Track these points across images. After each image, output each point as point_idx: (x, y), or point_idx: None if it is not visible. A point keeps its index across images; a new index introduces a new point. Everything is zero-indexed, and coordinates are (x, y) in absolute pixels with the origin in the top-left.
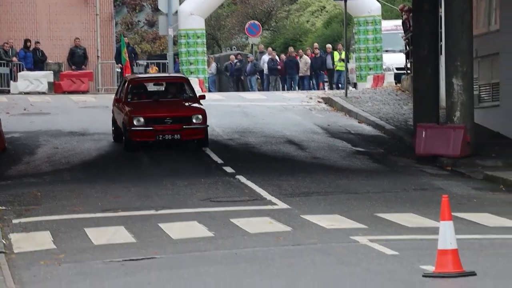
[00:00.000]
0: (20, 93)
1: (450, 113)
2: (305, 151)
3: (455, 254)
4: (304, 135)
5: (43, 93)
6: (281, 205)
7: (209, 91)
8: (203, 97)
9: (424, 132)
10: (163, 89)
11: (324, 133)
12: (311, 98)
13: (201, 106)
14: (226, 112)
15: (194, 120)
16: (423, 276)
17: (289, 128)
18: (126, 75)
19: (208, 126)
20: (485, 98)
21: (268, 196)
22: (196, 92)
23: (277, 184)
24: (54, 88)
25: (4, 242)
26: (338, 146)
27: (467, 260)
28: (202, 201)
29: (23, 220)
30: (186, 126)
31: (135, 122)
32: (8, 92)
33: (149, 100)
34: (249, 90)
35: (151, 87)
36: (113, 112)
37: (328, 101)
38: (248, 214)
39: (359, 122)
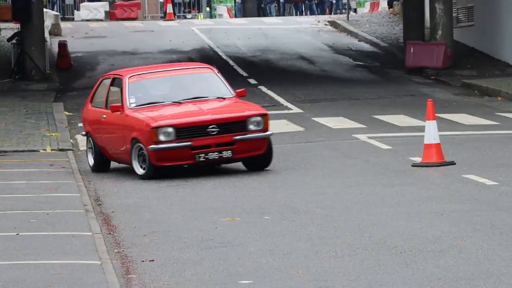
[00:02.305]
0: (82, 20)
1: (433, 32)
2: (315, 65)
3: (438, 147)
4: (314, 52)
5: (101, 20)
6: (295, 109)
7: (236, 16)
8: (242, 93)
9: (412, 48)
10: (182, 86)
11: (330, 50)
12: (319, 22)
13: (256, 105)
14: (250, 34)
15: (251, 127)
16: (412, 165)
17: (301, 46)
18: (118, 73)
19: (272, 134)
20: (462, 19)
21: (284, 103)
22: (230, 88)
23: (292, 93)
24: (110, 16)
25: (71, 141)
26: (342, 61)
27: (448, 152)
28: None
29: None
30: (240, 137)
31: (161, 137)
32: (73, 19)
33: (168, 102)
34: (268, 16)
35: (162, 85)
36: (89, 129)
37: (333, 23)
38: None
39: (358, 41)
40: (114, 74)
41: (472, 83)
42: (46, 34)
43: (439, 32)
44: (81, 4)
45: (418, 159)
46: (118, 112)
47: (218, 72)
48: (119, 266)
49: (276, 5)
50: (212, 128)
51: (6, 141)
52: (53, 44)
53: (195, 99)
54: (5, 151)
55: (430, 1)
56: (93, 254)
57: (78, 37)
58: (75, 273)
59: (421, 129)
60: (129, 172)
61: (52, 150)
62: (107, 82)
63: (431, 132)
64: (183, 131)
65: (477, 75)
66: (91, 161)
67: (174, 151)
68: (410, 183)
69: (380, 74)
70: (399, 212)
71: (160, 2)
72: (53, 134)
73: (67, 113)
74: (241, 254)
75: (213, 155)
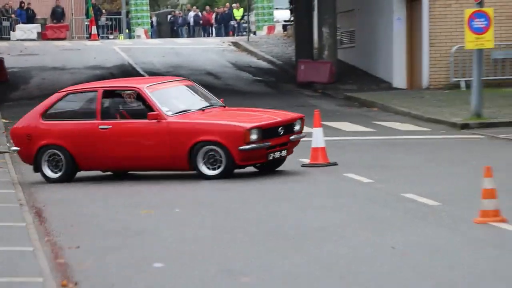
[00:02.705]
0: (17, 40)
1: (321, 52)
2: (220, 80)
3: (324, 150)
4: (219, 69)
5: (34, 40)
6: None
7: (152, 37)
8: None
9: (302, 66)
10: (188, 96)
11: (232, 67)
12: (223, 42)
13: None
14: (164, 53)
15: (296, 128)
16: (302, 166)
17: (208, 64)
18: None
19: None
20: (345, 41)
21: None
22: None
23: None
24: (42, 36)
25: (8, 145)
26: (243, 76)
27: (332, 154)
28: None
29: None
30: (293, 137)
31: (252, 137)
32: (9, 39)
33: (195, 110)
34: (180, 37)
35: (173, 94)
36: (60, 142)
37: (235, 44)
38: None
39: (257, 59)
40: (102, 87)
41: (353, 96)
42: None
43: (326, 52)
44: (16, 26)
45: (306, 160)
46: (155, 121)
47: (197, 85)
48: (49, 252)
49: (187, 27)
50: (280, 129)
51: None
52: None
53: (210, 107)
54: None
55: (318, 26)
56: (26, 242)
57: (13, 55)
58: (11, 258)
59: (310, 135)
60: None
61: None
62: (91, 95)
63: (318, 138)
64: (265, 132)
65: (357, 89)
66: (49, 173)
67: (256, 151)
68: (300, 181)
69: (275, 88)
70: (290, 205)
71: (86, 24)
72: None
73: (4, 120)
74: (155, 241)
75: (277, 154)
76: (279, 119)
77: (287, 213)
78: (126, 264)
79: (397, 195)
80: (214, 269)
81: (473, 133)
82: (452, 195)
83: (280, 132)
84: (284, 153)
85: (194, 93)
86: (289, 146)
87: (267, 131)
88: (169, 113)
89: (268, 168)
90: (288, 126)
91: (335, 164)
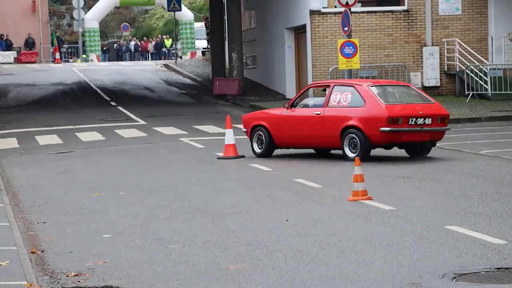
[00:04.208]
0: None
1: (231, 71)
2: (154, 93)
3: (234, 146)
4: (154, 84)
5: (10, 63)
6: (141, 122)
7: (102, 61)
8: None
9: (217, 82)
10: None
11: (164, 83)
12: (157, 65)
13: None
14: (111, 72)
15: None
16: (217, 158)
17: (145, 81)
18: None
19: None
20: (249, 63)
21: (135, 118)
22: None
23: (139, 111)
24: (17, 60)
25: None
26: (172, 90)
27: (240, 149)
28: (99, 121)
29: (1, 132)
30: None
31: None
32: None
33: None
34: (124, 60)
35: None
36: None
37: (166, 66)
38: (124, 127)
39: (183, 77)
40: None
41: (256, 104)
42: None
43: (235, 72)
44: None
45: (221, 154)
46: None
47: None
48: (22, 226)
49: (129, 53)
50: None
51: None
52: None
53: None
54: None
55: (228, 52)
56: (4, 218)
57: None
58: None
59: (223, 134)
60: (33, 162)
61: None
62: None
63: (229, 136)
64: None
65: (259, 99)
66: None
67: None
68: (216, 170)
69: (197, 99)
70: (208, 188)
71: (51, 51)
72: None
73: None
74: (104, 218)
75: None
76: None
77: (205, 194)
78: (82, 236)
79: (290, 180)
80: (150, 239)
81: None
82: (331, 180)
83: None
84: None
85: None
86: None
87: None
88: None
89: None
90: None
91: (243, 156)
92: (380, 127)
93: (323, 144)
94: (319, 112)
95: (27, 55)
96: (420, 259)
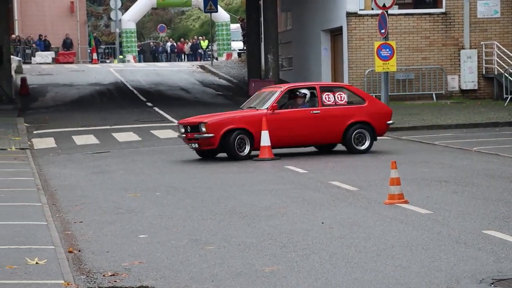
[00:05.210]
0: (37, 63)
1: (267, 73)
2: (190, 94)
3: (269, 148)
4: (190, 85)
5: (49, 63)
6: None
7: (139, 61)
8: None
9: (253, 83)
10: None
11: (200, 84)
12: (193, 66)
13: None
14: (148, 73)
15: None
16: (253, 160)
17: (181, 82)
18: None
19: None
20: (285, 65)
21: (170, 118)
22: None
23: (175, 112)
24: (55, 61)
25: (29, 143)
26: (208, 91)
27: (276, 151)
28: (135, 121)
29: (39, 131)
30: None
31: None
32: (30, 63)
33: None
34: (160, 61)
35: None
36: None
37: (202, 67)
38: (159, 128)
39: (219, 78)
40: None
41: None
42: (13, 72)
43: (270, 73)
44: (36, 53)
45: (257, 155)
46: None
47: None
48: (59, 226)
49: (166, 54)
50: None
51: None
52: (17, 79)
53: None
54: None
55: (264, 53)
56: (41, 218)
57: (33, 74)
58: (29, 230)
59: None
60: (70, 162)
61: (15, 149)
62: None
63: (265, 138)
64: None
65: None
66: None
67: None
68: (251, 171)
69: (232, 100)
70: (243, 190)
71: (88, 51)
72: (16, 138)
73: (26, 124)
74: (140, 218)
75: None
76: None
77: (241, 196)
78: (118, 235)
79: (325, 182)
80: (186, 239)
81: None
82: (367, 182)
83: None
84: None
85: None
86: None
87: None
88: None
89: None
90: None
91: (278, 158)
92: (387, 121)
93: (324, 140)
94: (317, 112)
95: (65, 55)
96: (457, 263)
